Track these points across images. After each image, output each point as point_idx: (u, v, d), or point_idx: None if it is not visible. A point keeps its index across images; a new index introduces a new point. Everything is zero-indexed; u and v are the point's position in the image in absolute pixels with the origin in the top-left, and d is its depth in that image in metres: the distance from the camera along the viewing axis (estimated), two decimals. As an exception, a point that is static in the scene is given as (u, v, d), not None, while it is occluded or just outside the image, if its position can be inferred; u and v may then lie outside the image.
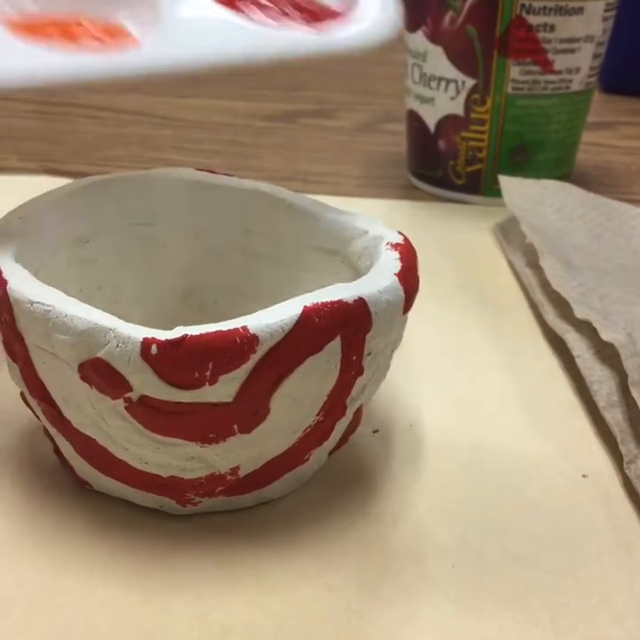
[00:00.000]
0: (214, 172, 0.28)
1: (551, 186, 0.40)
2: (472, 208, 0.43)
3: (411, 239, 0.39)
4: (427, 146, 0.45)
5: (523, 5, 0.40)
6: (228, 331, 0.19)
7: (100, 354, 0.19)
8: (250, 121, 0.56)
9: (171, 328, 0.19)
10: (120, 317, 0.20)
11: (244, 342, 0.19)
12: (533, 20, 0.40)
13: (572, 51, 0.41)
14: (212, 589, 0.21)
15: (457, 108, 0.43)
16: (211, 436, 0.20)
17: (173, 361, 0.19)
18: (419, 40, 0.43)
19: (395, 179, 0.48)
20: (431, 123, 0.44)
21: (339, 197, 0.44)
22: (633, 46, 0.62)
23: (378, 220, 0.26)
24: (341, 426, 0.23)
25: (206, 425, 0.20)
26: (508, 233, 0.40)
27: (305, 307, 0.20)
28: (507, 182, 0.39)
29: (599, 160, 0.51)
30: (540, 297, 0.33)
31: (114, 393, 0.19)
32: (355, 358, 0.21)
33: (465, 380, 0.29)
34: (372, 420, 0.26)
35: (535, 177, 0.43)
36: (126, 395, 0.19)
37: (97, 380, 0.19)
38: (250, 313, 0.20)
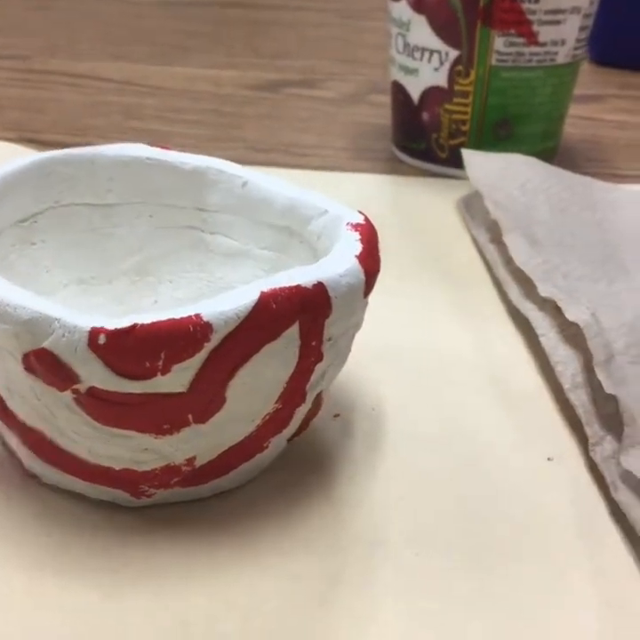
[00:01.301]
0: (168, 148, 0.27)
1: (515, 160, 0.39)
2: (450, 182, 0.43)
3: (382, 214, 0.39)
4: (410, 118, 0.44)
5: (507, -25, 0.39)
6: (181, 319, 0.19)
7: (45, 344, 0.18)
8: (234, 90, 0.55)
9: (124, 312, 0.19)
10: (69, 301, 0.20)
11: (197, 330, 0.19)
12: (518, -10, 0.39)
13: (558, 22, 0.40)
14: (171, 584, 0.20)
15: (440, 79, 0.42)
16: (164, 426, 0.20)
17: (123, 351, 0.18)
18: (402, 9, 0.42)
19: (380, 151, 0.47)
20: (415, 94, 0.43)
21: (321, 171, 0.44)
22: (624, 17, 0.61)
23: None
24: (301, 413, 0.22)
25: (159, 416, 0.20)
26: (472, 208, 0.39)
27: (262, 292, 0.20)
28: (470, 156, 0.39)
29: (587, 134, 0.50)
30: (503, 274, 0.33)
31: (61, 385, 0.19)
32: (314, 344, 0.21)
33: (428, 361, 0.29)
34: (334, 404, 0.26)
35: (520, 150, 0.43)
36: (74, 386, 0.19)
37: (42, 371, 0.19)
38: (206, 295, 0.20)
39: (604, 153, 0.48)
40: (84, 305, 0.27)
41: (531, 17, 0.40)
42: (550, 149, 0.44)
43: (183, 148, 0.46)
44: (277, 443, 0.22)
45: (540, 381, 0.28)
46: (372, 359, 0.29)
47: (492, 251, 0.35)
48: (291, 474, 0.23)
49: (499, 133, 0.42)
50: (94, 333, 0.18)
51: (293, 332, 0.20)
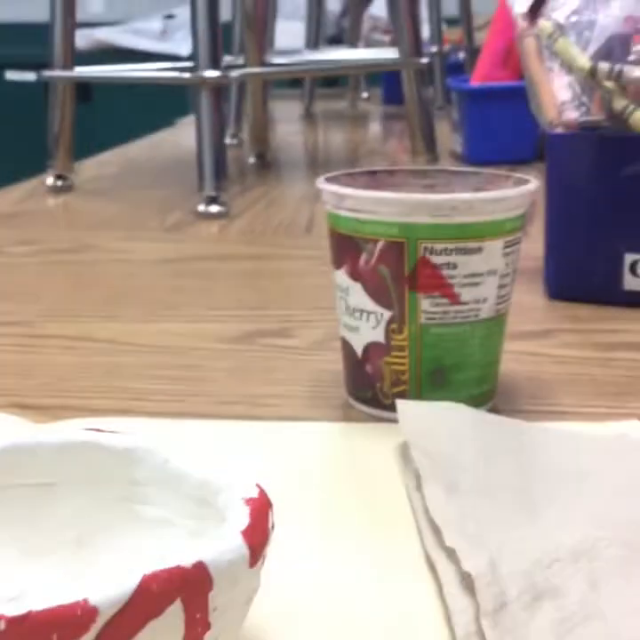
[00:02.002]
0: (101, 431, 0.31)
1: (445, 407, 0.43)
2: (395, 427, 0.46)
3: (327, 461, 0.42)
4: (357, 369, 0.48)
5: (425, 248, 0.44)
6: (69, 604, 0.22)
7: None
8: (213, 343, 0.60)
9: (60, 583, 0.22)
10: (6, 574, 0.23)
11: (84, 614, 0.22)
12: (437, 259, 0.44)
13: (477, 284, 0.45)
14: None
15: (378, 336, 0.47)
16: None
17: (20, 636, 0.22)
18: (342, 277, 0.47)
19: (336, 398, 0.51)
20: (359, 349, 0.48)
21: (277, 422, 0.48)
22: (569, 255, 0.66)
23: (244, 473, 0.29)
24: (197, 677, 0.25)
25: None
26: (407, 455, 0.43)
27: (143, 576, 0.23)
28: (404, 406, 0.43)
29: (530, 370, 0.54)
30: (422, 522, 0.36)
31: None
32: (199, 616, 0.24)
33: (336, 611, 0.32)
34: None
35: (457, 396, 0.46)
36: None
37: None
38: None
39: (545, 389, 0.52)
40: (25, 577, 0.30)
41: (451, 281, 0.45)
42: (487, 393, 0.48)
43: (157, 403, 0.51)
44: None
45: (444, 631, 0.31)
46: (283, 612, 0.31)
47: (416, 498, 0.38)
48: None
49: (435, 381, 0.47)
50: (-6, 621, 0.22)
51: (176, 608, 0.23)
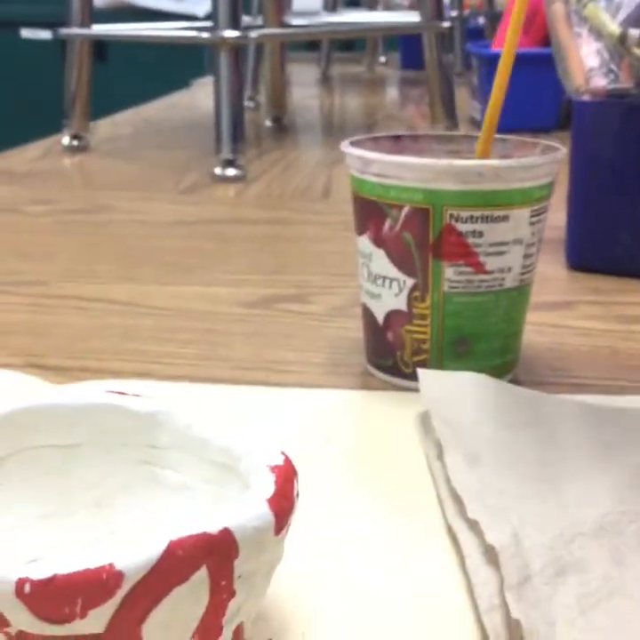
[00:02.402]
0: (124, 394, 0.31)
1: (467, 378, 0.42)
2: (415, 396, 0.46)
3: (346, 429, 0.42)
4: (377, 337, 0.48)
5: (451, 215, 0.43)
6: (95, 568, 0.22)
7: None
8: (228, 308, 0.60)
9: (79, 545, 0.22)
10: (31, 536, 0.22)
11: (109, 578, 0.22)
12: (462, 227, 0.44)
13: (502, 253, 0.44)
14: None
15: (400, 303, 0.46)
16: (84, 663, 0.22)
17: (45, 599, 0.21)
18: (365, 242, 0.47)
19: (355, 366, 0.51)
20: (380, 316, 0.47)
21: (296, 388, 0.47)
22: (595, 224, 0.65)
23: (267, 439, 0.28)
24: (220, 644, 0.25)
25: (79, 654, 0.22)
26: (427, 424, 0.42)
27: (170, 541, 0.23)
28: (425, 375, 0.42)
29: (552, 341, 0.54)
30: (443, 491, 0.36)
31: (-7, 629, 0.22)
32: (224, 583, 0.24)
33: (360, 581, 0.31)
34: (266, 628, 0.28)
35: (479, 366, 0.46)
36: (5, 629, 0.22)
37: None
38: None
39: (566, 361, 0.51)
40: (44, 538, 0.30)
41: (476, 249, 0.44)
42: (509, 363, 0.48)
43: (174, 366, 0.50)
44: (200, 672, 0.25)
45: (465, 602, 0.30)
46: (305, 581, 0.31)
47: (437, 467, 0.38)
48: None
49: (457, 350, 0.46)
50: (20, 583, 0.22)
51: (202, 574, 0.23)
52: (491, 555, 0.31)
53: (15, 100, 2.83)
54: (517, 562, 0.30)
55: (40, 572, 0.22)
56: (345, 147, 0.47)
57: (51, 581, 0.22)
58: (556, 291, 0.62)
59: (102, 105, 1.48)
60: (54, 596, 0.22)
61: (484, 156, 0.46)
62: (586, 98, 0.65)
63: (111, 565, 0.22)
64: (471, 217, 0.43)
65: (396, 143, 0.50)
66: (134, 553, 0.22)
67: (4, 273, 0.67)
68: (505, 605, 0.29)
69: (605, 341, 0.54)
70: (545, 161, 0.44)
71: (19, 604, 0.22)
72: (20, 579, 0.22)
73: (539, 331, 0.55)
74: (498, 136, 0.49)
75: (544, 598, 0.29)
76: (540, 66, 1.10)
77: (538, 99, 1.17)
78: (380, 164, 0.44)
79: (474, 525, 0.33)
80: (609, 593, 0.30)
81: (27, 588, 0.22)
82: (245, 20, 1.29)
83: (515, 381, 0.48)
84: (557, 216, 0.70)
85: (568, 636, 0.28)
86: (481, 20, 1.99)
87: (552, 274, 0.66)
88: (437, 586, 0.31)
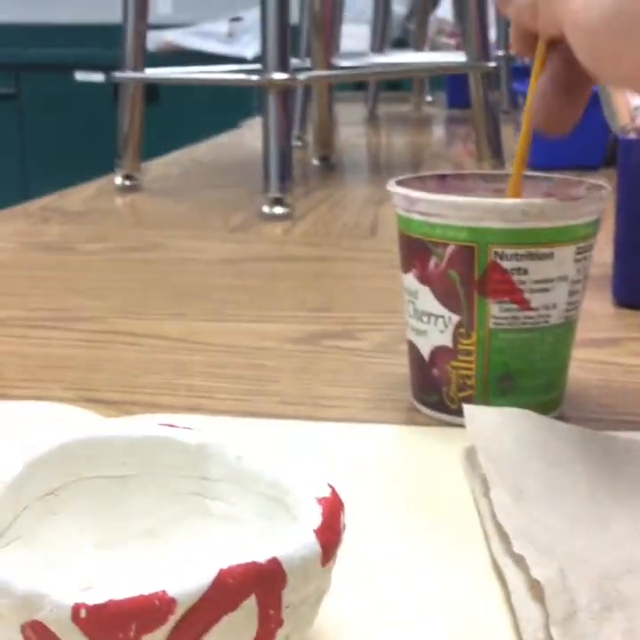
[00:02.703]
0: (175, 426, 0.32)
1: (512, 414, 0.43)
2: (461, 432, 0.46)
3: (391, 463, 0.42)
4: (423, 373, 0.48)
5: (496, 253, 0.44)
6: (149, 595, 0.23)
7: (38, 617, 0.22)
8: (276, 343, 0.61)
9: (131, 572, 0.23)
10: (86, 565, 0.23)
11: (163, 605, 0.23)
12: (507, 264, 0.44)
13: (547, 290, 0.45)
14: None
15: (446, 340, 0.47)
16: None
17: (100, 624, 0.22)
18: (411, 280, 0.47)
19: (401, 401, 0.51)
20: (425, 352, 0.48)
21: (342, 423, 0.48)
22: (639, 262, 0.65)
23: (314, 472, 0.29)
24: (269, 672, 0.25)
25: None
26: (473, 459, 0.42)
27: (220, 570, 0.23)
28: (471, 411, 0.43)
29: (599, 378, 0.54)
30: (489, 527, 0.36)
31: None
32: (272, 612, 0.24)
33: (404, 614, 0.32)
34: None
35: (524, 402, 0.46)
36: (63, 651, 0.23)
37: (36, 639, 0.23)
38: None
39: (614, 398, 0.51)
40: (99, 567, 0.31)
41: (521, 286, 0.45)
42: (555, 399, 0.48)
43: (223, 401, 0.51)
44: (249, 699, 0.25)
45: (511, 638, 0.30)
46: (351, 614, 0.31)
47: (483, 503, 0.38)
48: None
49: (503, 386, 0.46)
50: (76, 608, 0.22)
51: (251, 602, 0.24)
52: (536, 590, 0.31)
53: (70, 141, 2.91)
54: (563, 597, 0.30)
55: (95, 598, 0.23)
56: (391, 186, 0.48)
57: (105, 607, 0.22)
58: (602, 328, 0.62)
59: (154, 145, 1.51)
60: (109, 622, 0.22)
61: (516, 196, 0.46)
62: (631, 136, 0.65)
63: (164, 592, 0.23)
64: (516, 255, 0.44)
65: (442, 182, 0.50)
66: (186, 580, 0.23)
67: (59, 309, 0.69)
68: (550, 640, 0.29)
69: (652, 378, 0.54)
70: (589, 199, 0.45)
71: (74, 629, 0.22)
72: (76, 604, 0.22)
73: (585, 368, 0.55)
74: (541, 174, 0.49)
75: (590, 633, 0.29)
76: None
77: (585, 136, 1.17)
78: (425, 203, 0.45)
79: (520, 561, 0.33)
80: (655, 629, 0.30)
81: (82, 613, 0.22)
82: (294, 62, 1.32)
83: (561, 418, 0.48)
84: (604, 253, 0.70)
85: (613, 671, 0.28)
86: (527, 59, 2.00)
87: (598, 311, 0.66)
88: (482, 621, 0.31)
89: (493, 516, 0.37)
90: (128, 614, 0.22)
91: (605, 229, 0.56)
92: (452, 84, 2.15)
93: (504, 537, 0.35)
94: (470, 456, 0.43)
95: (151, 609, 0.22)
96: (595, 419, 0.48)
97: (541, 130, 0.42)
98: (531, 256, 0.44)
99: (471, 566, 0.35)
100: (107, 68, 1.20)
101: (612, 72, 0.36)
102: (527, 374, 0.46)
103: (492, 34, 1.71)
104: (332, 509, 0.27)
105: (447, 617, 0.32)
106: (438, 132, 1.93)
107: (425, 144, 1.68)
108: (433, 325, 0.47)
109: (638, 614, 0.31)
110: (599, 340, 0.60)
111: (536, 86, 0.43)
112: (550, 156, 1.20)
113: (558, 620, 0.29)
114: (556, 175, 0.50)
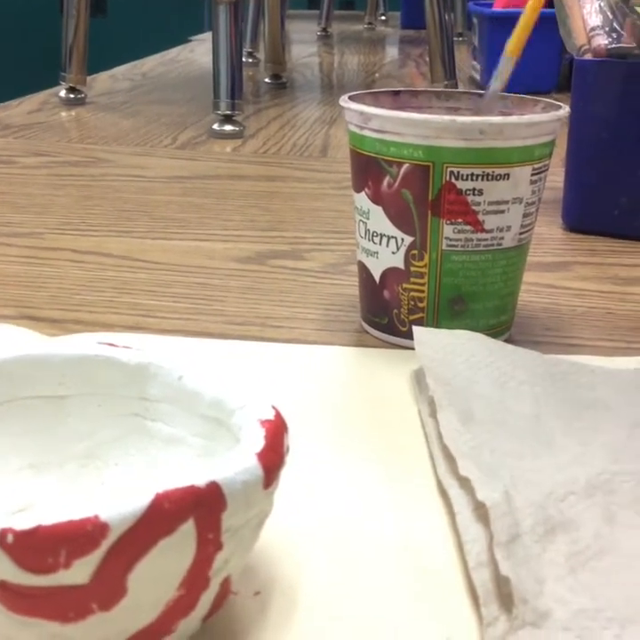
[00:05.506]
0: (114, 345, 0.31)
1: (462, 336, 0.42)
2: (410, 354, 0.46)
3: (340, 386, 0.42)
4: (374, 295, 0.47)
5: (451, 172, 0.43)
6: (80, 519, 0.22)
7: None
8: (224, 263, 0.59)
9: (69, 496, 0.22)
10: (20, 486, 0.22)
11: (95, 529, 0.22)
12: (462, 185, 0.43)
13: (502, 211, 0.44)
14: None
15: (398, 261, 0.45)
16: (70, 614, 0.22)
17: (28, 549, 0.21)
18: (363, 199, 0.46)
19: (349, 323, 0.50)
20: (376, 274, 0.47)
21: (290, 344, 0.47)
22: (592, 187, 0.65)
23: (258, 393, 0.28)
24: (208, 596, 0.25)
25: (64, 605, 0.22)
26: (422, 381, 0.42)
27: (157, 494, 0.22)
28: (420, 333, 0.42)
29: (548, 302, 0.53)
30: (435, 449, 0.35)
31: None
32: (211, 536, 0.23)
33: (348, 534, 0.31)
34: (255, 581, 0.28)
35: (475, 325, 0.46)
36: (-12, 579, 0.22)
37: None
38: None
39: (560, 321, 0.51)
40: (34, 488, 0.30)
41: (475, 208, 0.43)
42: (505, 323, 0.47)
43: (167, 320, 0.50)
44: (187, 624, 0.25)
45: (454, 559, 0.30)
46: (295, 534, 0.31)
47: (430, 425, 0.38)
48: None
49: (454, 309, 0.46)
50: (3, 533, 0.21)
51: (188, 527, 0.23)
52: (480, 512, 0.31)
53: (12, 52, 2.80)
54: (508, 520, 0.30)
55: (24, 523, 0.21)
56: (344, 101, 0.46)
57: (34, 531, 0.21)
58: (552, 251, 0.62)
59: (102, 60, 1.46)
60: (37, 546, 0.21)
61: (515, 54, 0.45)
62: (587, 57, 0.64)
63: (96, 516, 0.22)
64: (471, 175, 0.43)
65: (396, 99, 0.49)
66: (120, 505, 0.22)
67: (-3, 225, 0.66)
68: (494, 562, 0.29)
69: (600, 302, 0.54)
70: (548, 118, 0.44)
71: (1, 554, 0.21)
72: (3, 528, 0.21)
73: (534, 291, 0.55)
74: (498, 93, 0.48)
75: (533, 556, 0.29)
76: (540, 26, 1.08)
77: (538, 60, 1.15)
78: (380, 120, 0.44)
79: (465, 483, 0.33)
80: (599, 551, 0.30)
81: (9, 537, 0.21)
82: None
83: (510, 341, 0.47)
84: (555, 177, 0.69)
85: (556, 594, 0.27)
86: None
87: (548, 234, 0.65)
88: (427, 542, 0.31)
89: (440, 437, 0.36)
90: (58, 539, 0.21)
91: (557, 151, 0.55)
92: (406, 4, 2.11)
93: (450, 458, 0.34)
94: (419, 378, 0.42)
95: (82, 533, 0.21)
96: (543, 342, 0.48)
97: None
98: (486, 176, 0.43)
99: (417, 487, 0.34)
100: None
101: None
102: (479, 297, 0.45)
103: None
104: (276, 431, 0.26)
105: (391, 538, 0.31)
106: (392, 52, 1.90)
107: (378, 64, 1.65)
108: (385, 246, 0.46)
109: (581, 537, 0.30)
110: (548, 264, 0.59)
111: None
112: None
113: (502, 542, 0.28)
114: (511, 94, 0.49)
